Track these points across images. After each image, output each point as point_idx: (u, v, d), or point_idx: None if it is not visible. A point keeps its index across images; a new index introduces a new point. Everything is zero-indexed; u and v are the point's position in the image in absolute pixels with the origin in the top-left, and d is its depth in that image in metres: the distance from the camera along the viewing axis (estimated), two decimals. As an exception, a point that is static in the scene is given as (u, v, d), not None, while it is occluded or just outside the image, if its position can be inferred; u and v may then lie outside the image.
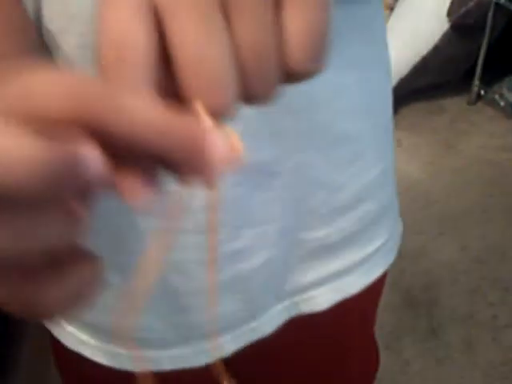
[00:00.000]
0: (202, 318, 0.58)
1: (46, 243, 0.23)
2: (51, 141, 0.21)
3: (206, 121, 0.24)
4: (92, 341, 0.63)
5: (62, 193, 0.23)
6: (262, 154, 0.51)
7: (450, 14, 2.30)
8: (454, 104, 2.59)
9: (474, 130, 2.46)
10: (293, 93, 0.48)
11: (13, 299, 0.24)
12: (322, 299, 0.63)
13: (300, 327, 0.65)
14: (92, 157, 0.23)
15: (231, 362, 0.73)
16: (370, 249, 0.64)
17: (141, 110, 0.23)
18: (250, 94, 0.26)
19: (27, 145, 0.21)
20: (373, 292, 0.68)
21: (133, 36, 0.24)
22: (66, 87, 0.22)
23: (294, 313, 0.64)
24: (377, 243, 0.65)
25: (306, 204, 0.56)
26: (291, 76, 0.26)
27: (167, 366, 0.62)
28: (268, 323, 0.63)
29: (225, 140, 0.24)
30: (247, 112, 0.47)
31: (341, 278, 0.63)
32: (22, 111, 0.23)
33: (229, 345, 0.62)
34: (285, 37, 0.25)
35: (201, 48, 0.24)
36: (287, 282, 0.61)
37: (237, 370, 0.74)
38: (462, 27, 2.32)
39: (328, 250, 0.60)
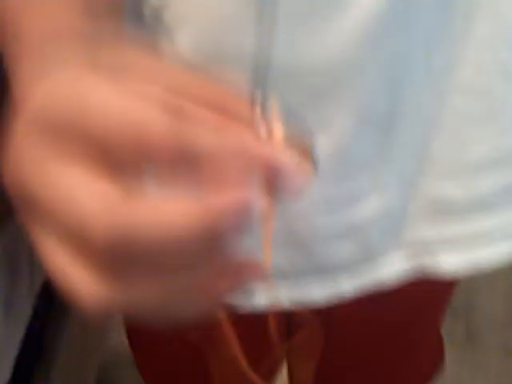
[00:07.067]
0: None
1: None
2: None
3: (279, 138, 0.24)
4: None
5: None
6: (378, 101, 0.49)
7: None
8: None
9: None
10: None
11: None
12: (446, 260, 0.57)
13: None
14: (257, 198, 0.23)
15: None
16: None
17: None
18: None
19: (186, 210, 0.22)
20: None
21: None
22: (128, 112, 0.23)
23: (415, 264, 0.58)
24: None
25: (433, 155, 0.53)
26: None
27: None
28: (387, 267, 0.58)
29: (295, 162, 0.23)
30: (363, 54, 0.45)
31: (470, 245, 0.57)
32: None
33: (345, 285, 0.58)
34: None
35: None
36: (408, 233, 0.57)
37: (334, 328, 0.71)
38: None
39: (455, 209, 0.56)
